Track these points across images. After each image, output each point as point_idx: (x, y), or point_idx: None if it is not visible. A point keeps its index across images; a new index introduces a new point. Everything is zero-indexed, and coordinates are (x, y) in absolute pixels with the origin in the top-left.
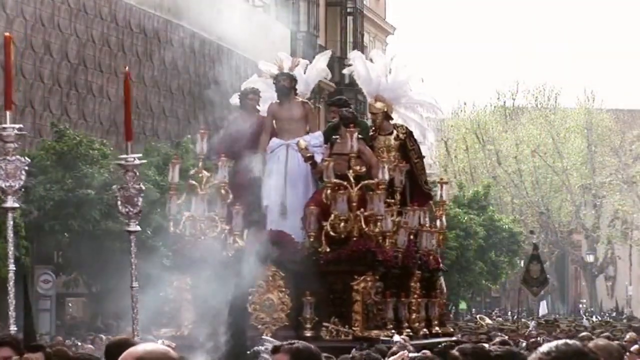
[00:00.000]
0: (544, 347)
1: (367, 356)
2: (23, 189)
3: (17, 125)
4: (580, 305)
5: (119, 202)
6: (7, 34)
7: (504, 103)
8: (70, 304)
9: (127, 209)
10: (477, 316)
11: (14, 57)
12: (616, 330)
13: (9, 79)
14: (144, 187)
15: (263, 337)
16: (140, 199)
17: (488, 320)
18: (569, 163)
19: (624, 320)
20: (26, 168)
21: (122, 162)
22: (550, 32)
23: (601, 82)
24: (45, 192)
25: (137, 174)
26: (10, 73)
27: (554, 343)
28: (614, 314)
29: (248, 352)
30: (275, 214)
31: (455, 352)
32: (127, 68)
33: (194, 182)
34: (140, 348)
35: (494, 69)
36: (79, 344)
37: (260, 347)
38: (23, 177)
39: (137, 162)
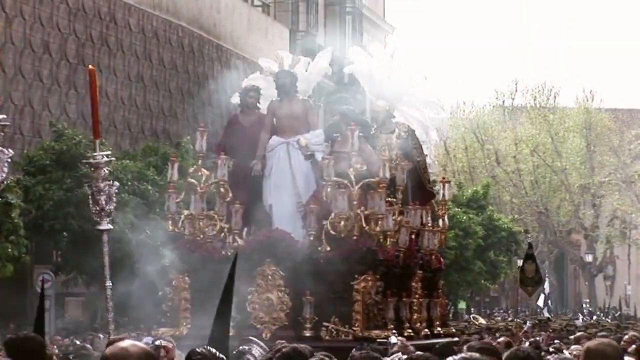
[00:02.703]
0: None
1: (367, 355)
2: (4, 183)
3: (1, 116)
4: (584, 305)
5: (90, 201)
6: (90, 66)
7: (503, 102)
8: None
9: (96, 208)
10: (471, 316)
11: (14, 58)
12: (605, 329)
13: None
14: (117, 183)
15: (250, 337)
16: (114, 197)
17: (482, 320)
18: (568, 162)
19: (609, 320)
20: (9, 160)
21: (91, 160)
22: (548, 30)
23: (600, 82)
24: (44, 191)
25: (106, 172)
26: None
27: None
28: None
29: (234, 352)
30: (279, 211)
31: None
32: (90, 66)
33: (193, 180)
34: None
35: (493, 68)
36: (78, 342)
37: (244, 347)
38: (6, 170)
39: (105, 159)
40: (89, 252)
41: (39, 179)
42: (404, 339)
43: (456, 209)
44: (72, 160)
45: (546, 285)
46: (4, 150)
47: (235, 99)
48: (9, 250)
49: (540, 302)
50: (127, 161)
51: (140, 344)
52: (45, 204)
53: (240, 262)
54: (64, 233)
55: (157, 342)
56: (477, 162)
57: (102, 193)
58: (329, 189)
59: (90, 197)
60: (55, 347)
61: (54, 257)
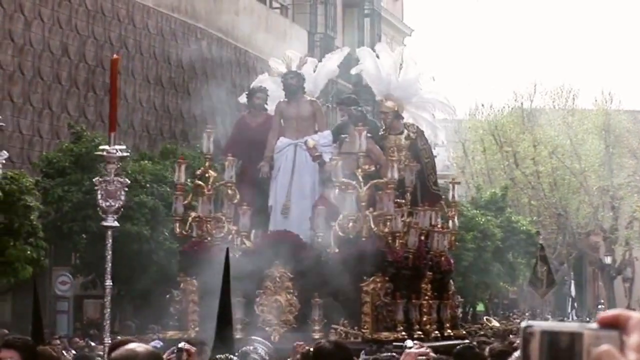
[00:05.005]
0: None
1: (391, 357)
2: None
3: None
4: (600, 306)
5: (99, 196)
6: (115, 56)
7: (522, 104)
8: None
9: (107, 204)
10: (485, 318)
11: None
12: None
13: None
14: (128, 181)
15: (252, 337)
16: (123, 194)
17: (495, 323)
18: (587, 164)
19: None
20: (4, 162)
21: (104, 153)
22: (567, 33)
23: (619, 83)
24: (63, 193)
25: (119, 166)
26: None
27: None
28: None
29: (236, 353)
30: (277, 213)
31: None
32: (115, 55)
33: (200, 182)
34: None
35: (511, 70)
36: (92, 344)
37: (249, 347)
38: (0, 172)
39: (119, 154)
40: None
41: (58, 181)
42: (420, 342)
43: (475, 211)
44: (91, 162)
45: (572, 288)
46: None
47: (243, 100)
48: (28, 252)
49: (572, 285)
50: (146, 162)
51: (146, 346)
52: (64, 206)
53: (248, 264)
54: (83, 235)
55: (181, 345)
56: (496, 164)
57: (112, 188)
58: (337, 190)
59: (99, 191)
60: (72, 350)
61: (72, 259)
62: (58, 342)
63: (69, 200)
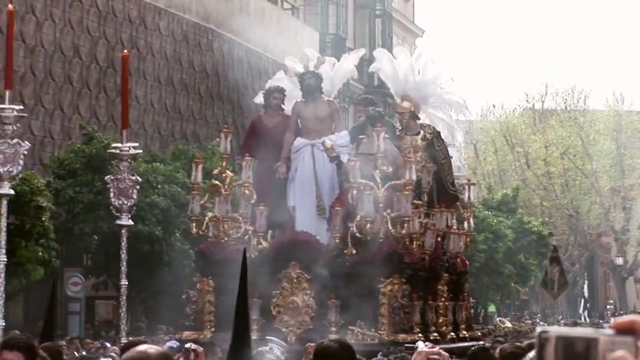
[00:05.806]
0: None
1: (402, 358)
2: (19, 176)
3: (17, 107)
4: (608, 306)
5: (111, 194)
6: (125, 52)
7: (533, 105)
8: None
9: (120, 202)
10: (498, 319)
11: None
12: None
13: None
14: (139, 179)
15: (268, 337)
16: (135, 192)
17: (508, 324)
18: (598, 165)
19: None
20: (25, 153)
21: (116, 151)
22: (578, 34)
23: (630, 84)
24: (74, 194)
25: (131, 164)
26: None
27: None
28: None
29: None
30: (302, 214)
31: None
32: (125, 51)
33: (217, 182)
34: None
35: (523, 71)
36: (108, 345)
37: (264, 347)
38: (21, 162)
39: (131, 151)
40: (119, 255)
41: (69, 182)
42: (431, 344)
43: (486, 212)
44: (102, 163)
45: (585, 289)
46: (21, 142)
47: (259, 99)
48: (39, 253)
49: (585, 287)
50: (157, 164)
51: (157, 347)
52: (75, 207)
53: (265, 264)
54: (94, 236)
55: (188, 345)
56: (507, 165)
57: (124, 186)
58: (354, 191)
59: (111, 190)
60: (83, 352)
61: (84, 260)
62: (63, 342)
63: (80, 202)
